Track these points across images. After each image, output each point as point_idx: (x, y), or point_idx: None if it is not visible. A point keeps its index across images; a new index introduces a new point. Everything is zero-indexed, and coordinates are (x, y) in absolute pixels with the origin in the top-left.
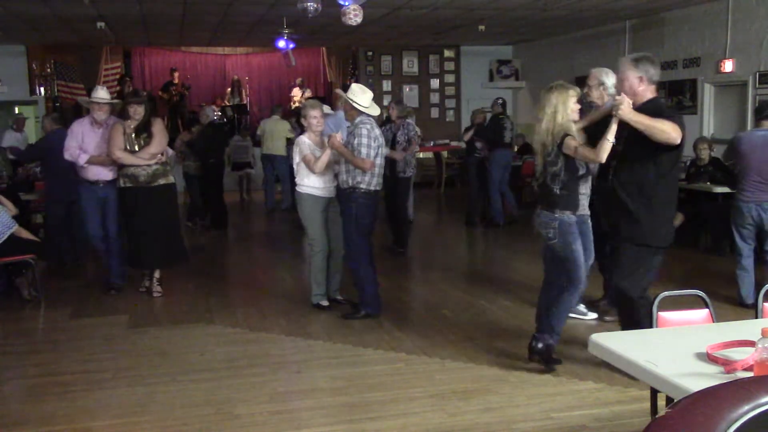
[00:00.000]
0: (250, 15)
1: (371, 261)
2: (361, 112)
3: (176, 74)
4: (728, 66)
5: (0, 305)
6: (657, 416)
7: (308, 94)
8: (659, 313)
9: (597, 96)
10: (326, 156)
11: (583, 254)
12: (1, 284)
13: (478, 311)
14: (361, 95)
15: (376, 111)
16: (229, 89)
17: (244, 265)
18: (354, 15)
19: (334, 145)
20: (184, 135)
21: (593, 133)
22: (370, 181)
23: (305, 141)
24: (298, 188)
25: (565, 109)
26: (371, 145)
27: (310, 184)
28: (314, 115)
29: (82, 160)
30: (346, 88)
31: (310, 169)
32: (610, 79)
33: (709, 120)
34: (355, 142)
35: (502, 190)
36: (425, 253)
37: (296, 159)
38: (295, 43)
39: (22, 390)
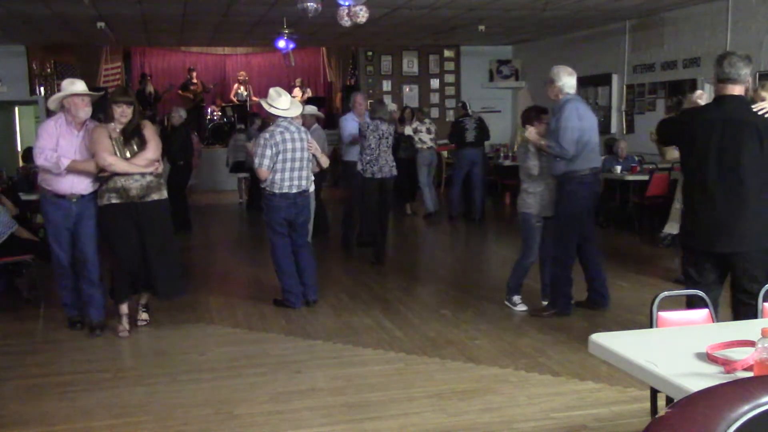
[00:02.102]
0: (250, 15)
1: (291, 257)
2: (278, 116)
3: (194, 74)
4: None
5: (0, 305)
6: (657, 416)
7: (309, 94)
8: (659, 313)
9: (551, 94)
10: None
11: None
12: (1, 284)
13: (478, 311)
14: (277, 99)
15: (296, 111)
16: (238, 86)
17: (244, 265)
18: (353, 15)
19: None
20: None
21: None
22: (273, 184)
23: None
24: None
25: None
26: (265, 153)
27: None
28: None
29: (63, 164)
30: (346, 88)
31: None
32: (561, 79)
33: None
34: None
35: (472, 187)
36: (425, 252)
37: None
38: (295, 43)
39: (22, 390)
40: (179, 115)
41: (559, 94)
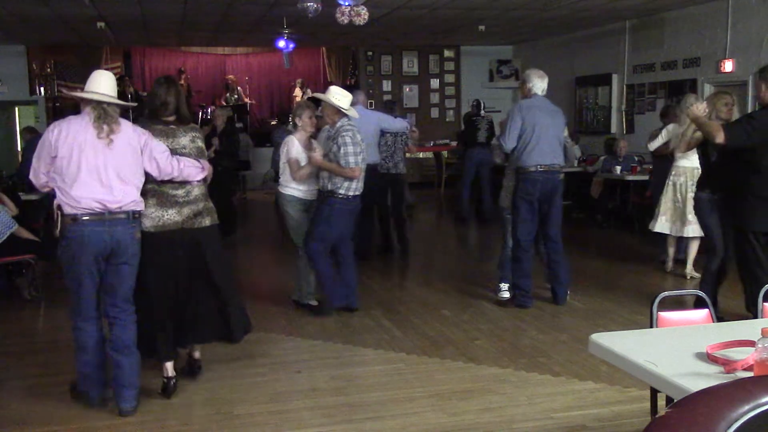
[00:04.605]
0: (250, 15)
1: (329, 256)
2: (344, 115)
3: (183, 76)
4: (728, 66)
5: (0, 305)
6: (657, 416)
7: (309, 94)
8: (659, 313)
9: (522, 94)
10: (307, 169)
11: None
12: (1, 284)
13: (478, 311)
14: (343, 98)
15: (355, 114)
16: (225, 92)
17: (243, 265)
18: (354, 15)
19: (316, 163)
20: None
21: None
22: (349, 187)
23: (294, 141)
24: (280, 188)
25: None
26: (357, 152)
27: (294, 185)
28: (308, 115)
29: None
30: (346, 88)
31: (292, 174)
32: (532, 80)
33: None
34: (341, 151)
35: (482, 186)
36: (425, 252)
37: (283, 159)
38: (295, 43)
39: (22, 390)
40: (224, 117)
41: (528, 95)
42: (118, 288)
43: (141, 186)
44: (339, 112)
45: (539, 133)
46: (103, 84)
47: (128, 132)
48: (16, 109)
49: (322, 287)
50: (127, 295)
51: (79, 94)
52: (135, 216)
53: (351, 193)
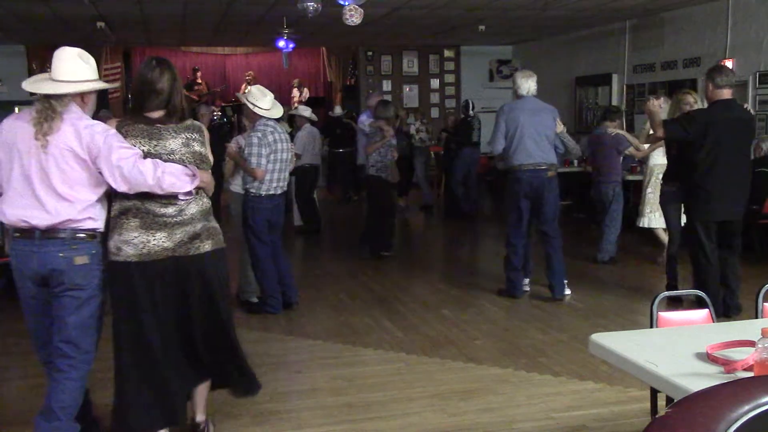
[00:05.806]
0: (250, 15)
1: (272, 261)
2: (261, 116)
3: (198, 74)
4: (728, 66)
5: (0, 305)
6: (657, 416)
7: (306, 94)
8: (659, 313)
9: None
10: (230, 164)
11: None
12: (1, 284)
13: (478, 310)
14: (261, 98)
15: (278, 113)
16: (245, 86)
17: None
18: (351, 15)
19: (230, 155)
20: None
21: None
22: (260, 186)
23: (239, 140)
24: (228, 185)
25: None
26: (261, 153)
27: (237, 182)
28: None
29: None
30: (346, 88)
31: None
32: (516, 82)
33: None
34: (246, 151)
35: (468, 185)
36: (425, 253)
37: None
38: (295, 43)
39: (22, 390)
40: (206, 115)
41: (516, 96)
42: (61, 323)
43: (92, 200)
44: (256, 113)
45: (522, 133)
46: (62, 68)
47: (69, 132)
48: (16, 109)
49: (261, 290)
50: (71, 336)
51: (27, 87)
52: (78, 238)
53: (263, 193)
